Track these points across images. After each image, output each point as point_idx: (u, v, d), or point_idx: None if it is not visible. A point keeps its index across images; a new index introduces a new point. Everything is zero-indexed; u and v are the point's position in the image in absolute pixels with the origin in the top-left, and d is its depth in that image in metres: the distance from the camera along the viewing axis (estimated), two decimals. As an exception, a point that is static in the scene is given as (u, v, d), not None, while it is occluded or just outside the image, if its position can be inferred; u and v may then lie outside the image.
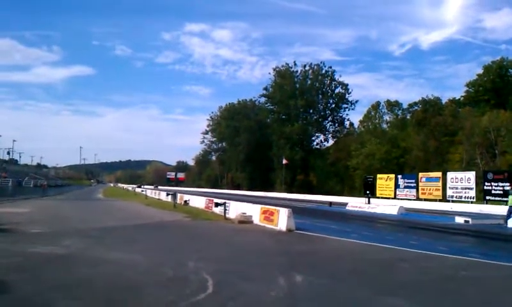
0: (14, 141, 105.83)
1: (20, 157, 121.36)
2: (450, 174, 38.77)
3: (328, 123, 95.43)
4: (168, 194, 39.40)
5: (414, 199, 41.22)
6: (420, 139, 63.52)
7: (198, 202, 30.50)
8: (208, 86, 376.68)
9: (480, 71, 69.51)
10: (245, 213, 19.58)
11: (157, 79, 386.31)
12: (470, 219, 23.13)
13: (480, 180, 37.12)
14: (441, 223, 23.33)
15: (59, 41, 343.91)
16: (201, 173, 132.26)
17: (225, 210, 21.50)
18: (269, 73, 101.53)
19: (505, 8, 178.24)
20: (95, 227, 16.71)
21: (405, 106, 78.61)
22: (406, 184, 43.42)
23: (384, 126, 79.16)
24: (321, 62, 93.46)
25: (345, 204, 37.66)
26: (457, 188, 37.11)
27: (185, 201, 32.29)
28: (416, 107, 74.44)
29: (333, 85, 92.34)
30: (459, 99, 72.60)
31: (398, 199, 42.16)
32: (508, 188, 31.53)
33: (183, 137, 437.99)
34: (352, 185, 72.20)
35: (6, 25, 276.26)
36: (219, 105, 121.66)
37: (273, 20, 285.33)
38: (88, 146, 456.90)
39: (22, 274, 7.76)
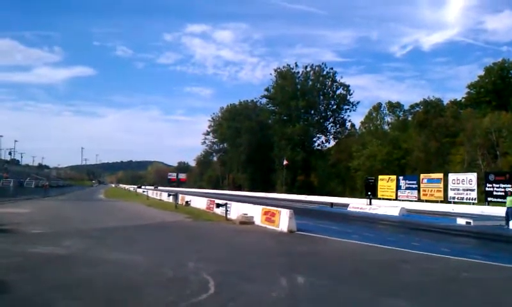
0: (15, 141, 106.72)
1: (21, 157, 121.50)
2: (451, 176, 38.69)
3: (329, 124, 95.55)
4: (169, 195, 39.40)
5: (415, 201, 41.14)
6: (421, 140, 63.53)
7: (199, 203, 30.49)
8: (209, 86, 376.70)
9: (482, 72, 69.72)
10: (246, 214, 19.55)
11: (158, 80, 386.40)
12: (471, 221, 23.08)
13: (481, 181, 37.04)
14: (442, 224, 23.29)
15: (60, 41, 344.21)
16: (202, 174, 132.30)
17: (226, 210, 21.49)
18: (271, 74, 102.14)
19: (506, 10, 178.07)
20: (96, 227, 16.70)
21: (406, 107, 78.82)
22: (407, 185, 43.34)
23: (386, 127, 79.23)
24: (322, 64, 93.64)
25: (347, 205, 37.61)
26: (458, 189, 37.02)
27: (187, 202, 32.28)
28: (417, 109, 74.49)
29: (335, 86, 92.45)
30: (461, 100, 72.67)
31: (399, 200, 42.09)
32: (510, 189, 31.48)
33: (184, 138, 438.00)
34: (354, 186, 72.19)
35: (6, 25, 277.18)
36: (221, 106, 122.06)
37: (274, 21, 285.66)
38: (89, 147, 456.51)
39: (23, 274, 7.74)
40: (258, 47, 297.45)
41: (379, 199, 44.15)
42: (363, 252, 12.18)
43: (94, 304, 6.24)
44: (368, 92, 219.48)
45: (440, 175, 40.92)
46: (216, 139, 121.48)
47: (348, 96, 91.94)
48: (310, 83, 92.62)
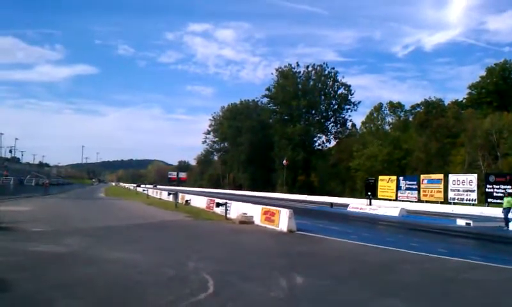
0: (16, 139, 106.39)
1: (22, 155, 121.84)
2: (452, 177, 38.67)
3: (330, 124, 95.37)
4: (169, 194, 39.44)
5: (415, 201, 41.11)
6: (422, 141, 63.49)
7: (199, 202, 30.53)
8: (210, 85, 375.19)
9: (483, 73, 69.51)
10: (246, 214, 19.58)
11: (160, 79, 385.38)
12: (471, 222, 23.11)
13: (482, 183, 37.05)
14: (442, 225, 23.32)
15: (61, 39, 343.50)
16: (202, 173, 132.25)
17: (226, 210, 21.52)
18: (272, 74, 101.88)
19: (509, 10, 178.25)
20: (96, 226, 16.75)
21: (407, 108, 78.72)
22: (407, 186, 43.31)
23: (387, 127, 79.14)
24: (324, 63, 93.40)
25: (347, 205, 37.65)
26: (458, 190, 36.99)
27: (187, 201, 32.32)
28: (418, 109, 74.44)
29: (336, 86, 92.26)
30: (462, 101, 72.56)
31: (399, 200, 42.05)
32: (511, 190, 31.48)
33: (185, 136, 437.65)
34: (354, 187, 72.16)
35: (8, 23, 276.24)
36: (222, 105, 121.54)
37: (276, 20, 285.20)
38: (90, 145, 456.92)
39: (23, 273, 7.78)
40: (259, 46, 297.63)
41: (379, 199, 44.13)
42: (363, 253, 12.20)
43: (94, 303, 6.27)
44: (370, 92, 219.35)
45: (440, 176, 40.89)
46: (217, 138, 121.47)
47: (349, 96, 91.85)
48: (311, 83, 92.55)
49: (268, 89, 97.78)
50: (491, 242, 17.75)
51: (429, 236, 18.41)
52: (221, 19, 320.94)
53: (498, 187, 33.08)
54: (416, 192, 42.00)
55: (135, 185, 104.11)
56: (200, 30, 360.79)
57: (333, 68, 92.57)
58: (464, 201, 36.02)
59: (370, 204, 38.30)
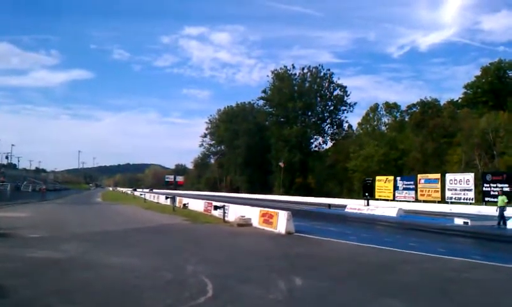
0: (12, 145, 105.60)
1: (18, 161, 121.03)
2: (449, 176, 38.82)
3: (326, 125, 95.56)
4: (167, 198, 39.35)
5: (413, 201, 41.27)
6: (418, 141, 63.66)
7: (197, 205, 30.46)
8: (206, 89, 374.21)
9: (479, 73, 69.86)
10: (244, 216, 19.55)
11: (155, 83, 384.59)
12: (469, 221, 23.15)
13: (479, 182, 37.23)
14: (440, 225, 23.34)
15: (57, 45, 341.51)
16: (200, 176, 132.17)
17: (224, 213, 21.48)
18: (268, 76, 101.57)
19: (503, 10, 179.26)
20: (93, 231, 16.67)
21: (403, 108, 78.93)
22: (404, 186, 43.47)
23: (383, 128, 79.37)
24: (319, 65, 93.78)
25: (344, 206, 37.65)
26: (456, 189, 37.15)
27: (184, 205, 32.25)
28: (414, 109, 74.63)
29: (332, 87, 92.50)
30: (458, 101, 72.84)
31: (397, 201, 42.19)
32: (507, 189, 31.62)
33: (182, 140, 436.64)
34: (351, 187, 72.27)
35: (3, 29, 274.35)
36: (218, 108, 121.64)
37: (271, 23, 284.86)
38: (86, 150, 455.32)
39: (21, 279, 7.73)
40: (255, 48, 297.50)
41: (377, 200, 44.26)
42: (362, 254, 12.20)
43: (92, 308, 6.23)
44: (366, 93, 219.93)
45: (437, 175, 41.04)
46: (214, 141, 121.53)
47: (345, 98, 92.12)
48: (307, 84, 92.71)
49: (264, 92, 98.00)
50: (490, 240, 17.79)
51: (428, 236, 18.44)
52: (216, 22, 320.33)
53: (495, 185, 33.28)
54: (413, 192, 42.18)
55: (131, 189, 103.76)
56: (196, 33, 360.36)
57: (329, 70, 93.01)
58: (462, 200, 36.19)
59: (368, 204, 38.37)
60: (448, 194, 37.80)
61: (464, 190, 36.35)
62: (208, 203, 27.98)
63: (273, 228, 16.86)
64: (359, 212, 33.48)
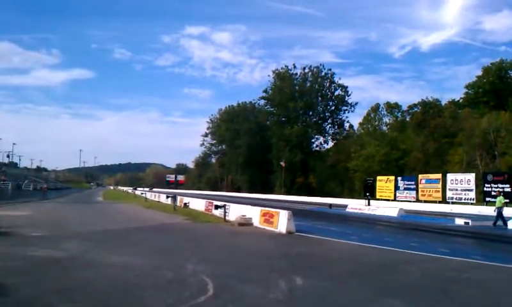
0: (14, 144, 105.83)
1: (19, 160, 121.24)
2: (450, 176, 38.79)
3: (327, 125, 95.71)
4: (167, 197, 39.35)
5: (414, 201, 41.24)
6: (419, 141, 63.64)
7: (197, 204, 30.47)
8: (207, 88, 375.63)
9: (480, 73, 69.84)
10: (245, 216, 19.54)
11: (157, 82, 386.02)
12: (469, 221, 23.13)
13: (480, 182, 37.19)
14: (441, 225, 23.33)
15: (58, 44, 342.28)
16: (201, 176, 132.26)
17: (225, 212, 21.47)
18: (269, 76, 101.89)
19: (504, 10, 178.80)
20: (94, 230, 16.68)
21: (404, 108, 78.94)
22: (405, 186, 43.44)
23: (384, 128, 79.38)
24: (320, 65, 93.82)
25: (345, 206, 37.64)
26: (457, 189, 37.12)
27: (185, 204, 32.25)
28: (415, 109, 74.66)
29: (333, 87, 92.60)
30: (459, 101, 72.84)
31: (398, 201, 42.18)
32: (508, 189, 31.62)
33: (183, 139, 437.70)
34: (352, 187, 72.28)
35: (4, 28, 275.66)
36: (219, 108, 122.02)
37: (273, 22, 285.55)
38: (87, 149, 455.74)
39: (22, 278, 7.73)
40: (256, 48, 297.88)
41: (378, 199, 44.24)
42: (362, 253, 12.19)
43: (93, 307, 6.24)
44: (367, 93, 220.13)
45: (438, 176, 41.01)
46: (215, 141, 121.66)
47: (346, 97, 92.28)
48: (308, 84, 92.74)
49: (265, 91, 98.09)
50: (490, 241, 17.77)
51: (428, 236, 18.42)
52: (217, 22, 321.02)
53: (496, 185, 33.22)
54: (414, 192, 42.16)
55: (132, 188, 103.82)
56: (197, 33, 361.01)
57: (330, 70, 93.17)
58: (463, 201, 36.16)
59: (369, 204, 38.36)
60: (449, 194, 37.78)
61: (465, 190, 36.32)
62: (209, 202, 27.99)
63: (274, 228, 16.86)
64: (360, 211, 33.47)
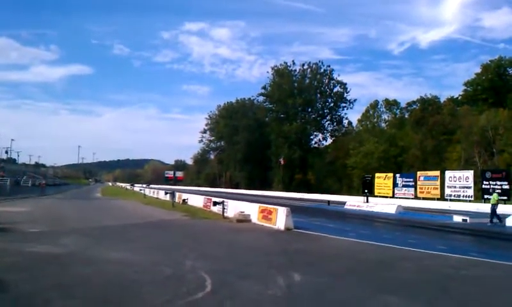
0: (12, 140, 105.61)
1: (18, 156, 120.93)
2: (448, 173, 38.86)
3: (326, 122, 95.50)
4: (166, 193, 39.37)
5: (412, 198, 41.31)
6: (418, 138, 63.63)
7: (196, 201, 30.50)
8: (206, 84, 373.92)
9: (479, 70, 69.74)
10: (243, 212, 19.58)
11: (156, 78, 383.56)
12: (468, 218, 23.19)
13: (478, 179, 37.24)
14: (439, 222, 23.40)
15: (56, 39, 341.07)
16: (199, 172, 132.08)
17: (223, 208, 21.50)
18: (268, 72, 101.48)
19: (503, 7, 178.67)
20: (93, 226, 16.69)
21: (403, 105, 78.85)
22: (404, 183, 43.52)
23: (383, 125, 79.28)
24: (320, 61, 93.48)
25: (344, 203, 37.70)
26: (455, 187, 37.19)
27: (184, 200, 32.28)
28: (414, 106, 74.58)
29: (332, 84, 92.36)
30: (458, 98, 72.77)
31: (396, 198, 42.25)
32: (507, 187, 31.68)
33: (181, 136, 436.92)
34: (351, 184, 72.28)
35: (2, 23, 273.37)
36: (218, 104, 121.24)
37: (272, 19, 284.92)
38: (86, 145, 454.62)
39: (20, 273, 7.74)
40: (255, 44, 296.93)
41: (376, 196, 44.30)
42: (361, 250, 12.21)
43: (91, 303, 6.24)
44: (366, 90, 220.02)
45: (437, 173, 41.09)
46: (213, 137, 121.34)
47: (345, 94, 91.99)
48: (307, 81, 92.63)
49: (264, 88, 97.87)
50: (488, 238, 17.83)
51: (427, 233, 18.49)
52: (216, 18, 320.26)
53: (494, 183, 33.26)
54: (412, 189, 42.23)
55: (129, 184, 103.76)
56: (196, 29, 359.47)
57: (329, 66, 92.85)
58: (461, 198, 36.25)
59: (367, 201, 38.39)
60: (447, 191, 37.85)
61: (464, 187, 36.39)
62: (207, 198, 28.01)
63: (272, 224, 16.89)
64: (358, 208, 33.53)
